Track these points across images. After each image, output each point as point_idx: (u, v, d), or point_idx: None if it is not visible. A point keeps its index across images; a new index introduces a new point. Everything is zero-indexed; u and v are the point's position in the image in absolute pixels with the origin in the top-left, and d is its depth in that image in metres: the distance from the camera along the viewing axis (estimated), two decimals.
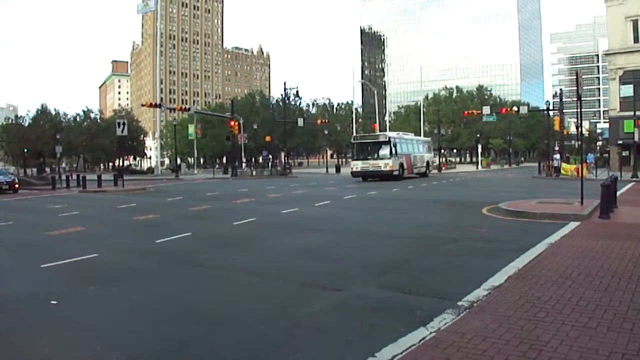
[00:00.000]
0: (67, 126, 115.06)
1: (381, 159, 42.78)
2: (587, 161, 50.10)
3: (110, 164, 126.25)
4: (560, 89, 71.75)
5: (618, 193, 20.55)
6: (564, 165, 47.30)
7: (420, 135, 65.23)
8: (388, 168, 42.36)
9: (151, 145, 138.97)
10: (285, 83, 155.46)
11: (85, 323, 7.39)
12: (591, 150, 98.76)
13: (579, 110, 23.39)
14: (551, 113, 57.97)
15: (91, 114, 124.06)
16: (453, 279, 9.18)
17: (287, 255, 11.97)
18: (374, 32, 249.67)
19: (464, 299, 7.59)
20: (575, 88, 19.73)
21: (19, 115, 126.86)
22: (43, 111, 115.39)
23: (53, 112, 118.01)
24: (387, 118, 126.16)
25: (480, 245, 12.23)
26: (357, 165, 44.62)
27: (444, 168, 73.21)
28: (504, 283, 8.41)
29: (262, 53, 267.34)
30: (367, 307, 7.72)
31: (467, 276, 9.14)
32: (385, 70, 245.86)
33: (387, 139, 44.25)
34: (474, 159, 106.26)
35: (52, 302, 8.35)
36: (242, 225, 17.02)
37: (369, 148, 44.39)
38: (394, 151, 43.03)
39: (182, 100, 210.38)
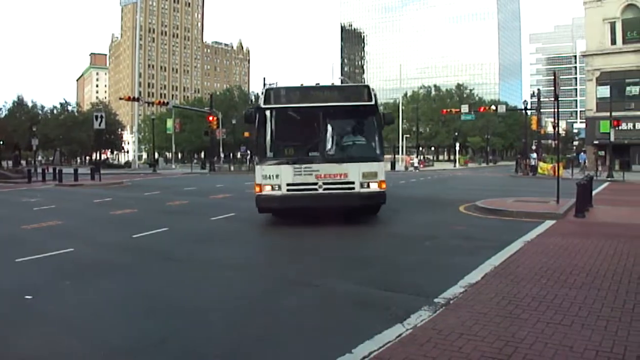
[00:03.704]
0: (44, 119, 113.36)
1: (351, 159, 15.00)
2: (580, 161, 50.61)
3: (87, 157, 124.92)
4: (538, 89, 72.40)
5: (594, 192, 20.78)
6: (540, 164, 47.75)
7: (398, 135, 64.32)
8: (369, 185, 14.87)
9: (129, 139, 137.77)
10: (264, 79, 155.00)
11: (61, 318, 7.33)
12: (567, 150, 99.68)
13: (556, 110, 23.61)
14: (529, 112, 58.36)
15: (68, 106, 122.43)
16: (430, 276, 9.25)
17: (266, 250, 12.01)
18: (354, 29, 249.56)
19: (440, 295, 7.63)
20: (553, 88, 19.88)
21: None
22: (19, 103, 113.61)
23: (30, 104, 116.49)
24: None
25: (457, 242, 12.31)
26: (278, 176, 14.76)
27: (421, 166, 73.43)
28: (481, 280, 8.48)
29: (242, 48, 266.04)
30: (344, 303, 7.76)
31: (443, 273, 9.22)
32: (364, 67, 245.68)
33: (370, 97, 15.37)
34: (452, 157, 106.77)
35: (27, 297, 8.27)
36: (219, 220, 17.00)
37: (316, 126, 15.00)
38: (378, 137, 15.63)
39: (161, 94, 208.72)
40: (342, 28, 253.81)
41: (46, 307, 7.85)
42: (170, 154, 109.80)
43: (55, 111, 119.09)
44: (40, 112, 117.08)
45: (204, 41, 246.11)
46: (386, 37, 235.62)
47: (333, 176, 14.54)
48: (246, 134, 75.30)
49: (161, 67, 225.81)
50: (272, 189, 14.57)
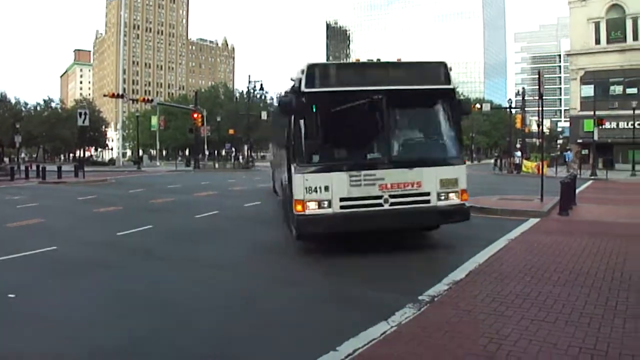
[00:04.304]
0: (27, 115, 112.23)
1: (425, 162, 10.98)
2: (567, 160, 51.00)
3: (71, 154, 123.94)
4: (523, 88, 72.61)
5: (577, 191, 20.91)
6: (524, 162, 47.99)
7: None
8: (448, 196, 10.94)
9: (113, 136, 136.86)
10: (249, 76, 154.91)
11: (44, 317, 7.28)
12: (551, 148, 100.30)
13: (540, 108, 23.75)
14: (514, 111, 58.65)
15: (52, 103, 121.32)
16: (415, 274, 9.27)
17: (250, 248, 11.96)
18: (340, 26, 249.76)
19: (425, 293, 7.66)
20: (538, 87, 19.97)
21: None
22: (2, 99, 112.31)
23: (13, 101, 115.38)
24: None
25: (441, 240, 12.32)
26: (328, 188, 10.51)
27: None
28: (465, 278, 8.52)
29: (227, 45, 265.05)
30: (330, 302, 7.78)
31: (428, 271, 9.28)
32: None
33: (448, 78, 11.38)
34: None
35: (10, 295, 8.22)
36: (204, 218, 16.93)
37: (378, 117, 10.82)
38: (457, 131, 11.67)
39: (145, 91, 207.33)
40: (328, 26, 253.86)
41: (29, 306, 7.82)
42: (155, 151, 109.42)
43: (38, 108, 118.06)
44: (23, 108, 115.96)
45: (188, 38, 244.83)
46: (371, 35, 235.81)
47: (403, 186, 10.55)
48: (231, 131, 75.29)
49: (146, 64, 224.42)
50: (319, 206, 10.33)
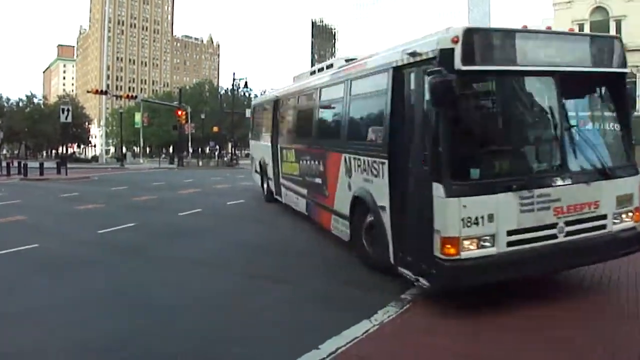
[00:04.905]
0: (9, 111, 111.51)
1: (602, 173, 7.60)
2: None
3: (54, 151, 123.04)
4: None
5: None
6: None
7: None
8: (622, 218, 7.82)
9: (96, 133, 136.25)
10: (234, 73, 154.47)
11: (24, 315, 7.26)
12: None
13: None
14: None
15: (34, 99, 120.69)
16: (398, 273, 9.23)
17: (234, 247, 11.94)
18: (325, 25, 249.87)
19: (407, 292, 7.69)
20: None
21: None
22: None
23: None
24: None
25: None
26: (492, 217, 6.86)
27: None
28: None
29: (212, 42, 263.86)
30: (313, 300, 7.80)
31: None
32: None
33: (624, 59, 8.09)
34: None
35: None
36: (187, 216, 16.86)
37: (549, 109, 7.53)
38: (628, 130, 8.33)
39: (129, 87, 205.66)
40: (313, 24, 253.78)
41: (9, 304, 7.78)
42: (138, 148, 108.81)
43: (21, 104, 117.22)
44: (5, 104, 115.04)
45: (173, 35, 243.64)
46: (357, 34, 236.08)
47: (580, 208, 7.38)
48: (215, 128, 75.08)
49: (130, 60, 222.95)
50: (479, 244, 6.83)
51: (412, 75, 7.79)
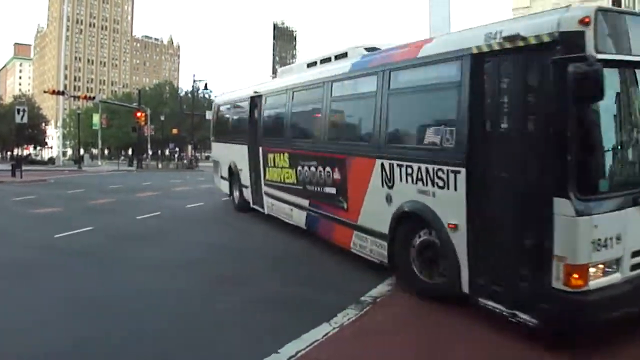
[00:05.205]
0: None
1: None
2: None
3: (9, 153, 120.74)
4: None
5: None
6: None
7: None
8: None
9: (53, 134, 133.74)
10: (194, 75, 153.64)
11: None
12: None
13: None
14: None
15: None
16: (357, 275, 9.25)
17: (194, 250, 11.89)
18: (286, 27, 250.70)
19: (367, 294, 7.79)
20: None
21: None
22: None
23: None
24: None
25: None
26: (620, 238, 5.74)
27: None
28: None
29: (172, 43, 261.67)
30: (273, 303, 7.84)
31: (371, 272, 9.16)
32: None
33: None
34: None
35: None
36: (146, 219, 16.76)
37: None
38: None
39: (88, 88, 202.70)
40: (275, 26, 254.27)
41: None
42: (97, 150, 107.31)
43: None
44: None
45: (133, 35, 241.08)
46: (317, 36, 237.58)
47: None
48: (175, 130, 74.57)
49: (88, 60, 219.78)
50: (605, 270, 5.73)
51: (511, 64, 6.29)
